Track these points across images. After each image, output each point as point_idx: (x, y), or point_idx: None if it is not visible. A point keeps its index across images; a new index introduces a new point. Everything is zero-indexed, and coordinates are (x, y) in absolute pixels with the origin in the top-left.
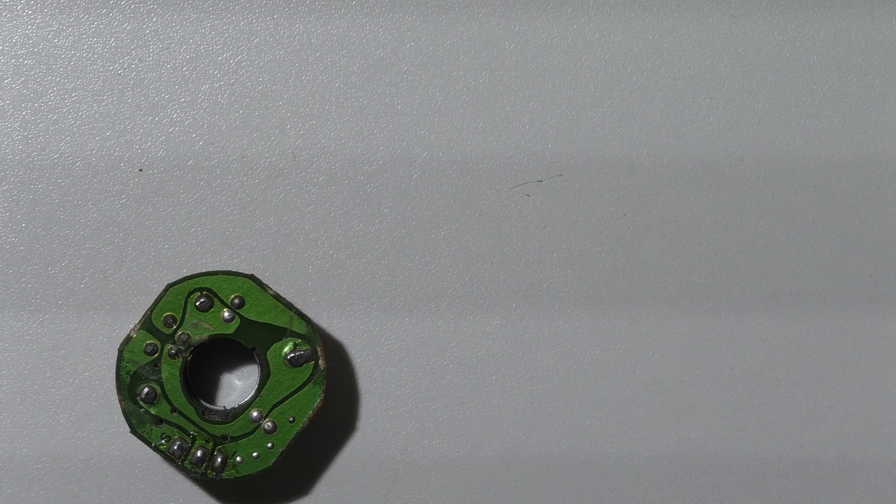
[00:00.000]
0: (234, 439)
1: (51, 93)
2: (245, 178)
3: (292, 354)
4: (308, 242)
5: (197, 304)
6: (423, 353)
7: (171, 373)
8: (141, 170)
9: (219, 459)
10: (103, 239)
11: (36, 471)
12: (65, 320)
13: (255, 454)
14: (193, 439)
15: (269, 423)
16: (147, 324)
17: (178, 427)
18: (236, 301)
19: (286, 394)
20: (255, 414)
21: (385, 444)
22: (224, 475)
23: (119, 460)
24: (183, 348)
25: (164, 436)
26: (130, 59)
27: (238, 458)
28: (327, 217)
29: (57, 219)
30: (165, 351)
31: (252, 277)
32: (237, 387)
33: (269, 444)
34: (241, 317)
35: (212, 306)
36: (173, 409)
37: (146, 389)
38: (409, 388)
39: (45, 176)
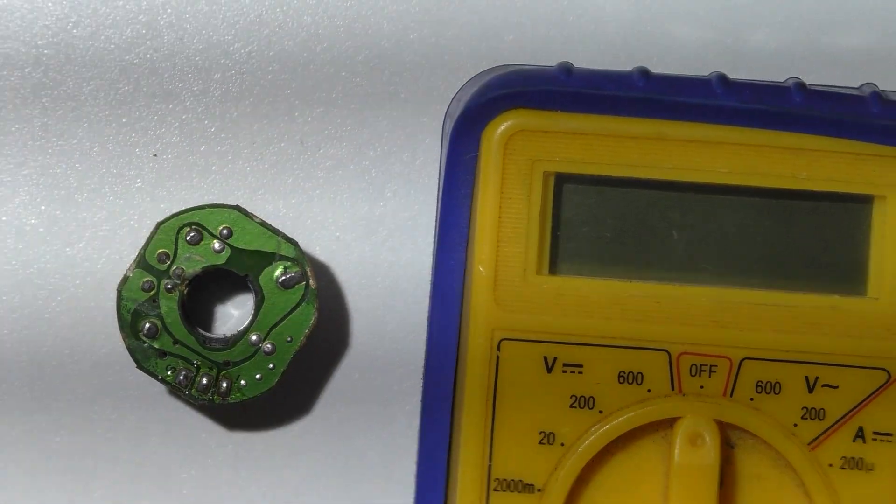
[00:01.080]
0: (236, 364)
1: (69, 81)
2: (255, 163)
3: (284, 277)
4: (315, 224)
5: (188, 238)
6: (408, 273)
7: (169, 307)
8: (155, 155)
9: (224, 384)
10: (119, 221)
11: (55, 444)
12: (83, 299)
13: (257, 376)
14: (198, 368)
15: (269, 345)
16: (142, 262)
17: (182, 358)
18: (224, 232)
19: (281, 315)
20: (254, 338)
21: (381, 358)
22: (230, 399)
23: (134, 434)
24: (178, 282)
25: (169, 367)
26: (146, 49)
27: (242, 382)
28: (334, 200)
29: (75, 202)
30: (162, 286)
31: (237, 208)
32: (234, 315)
33: (271, 365)
34: (230, 246)
35: (202, 239)
36: (175, 342)
37: (147, 325)
38: (397, 304)
39: (65, 161)
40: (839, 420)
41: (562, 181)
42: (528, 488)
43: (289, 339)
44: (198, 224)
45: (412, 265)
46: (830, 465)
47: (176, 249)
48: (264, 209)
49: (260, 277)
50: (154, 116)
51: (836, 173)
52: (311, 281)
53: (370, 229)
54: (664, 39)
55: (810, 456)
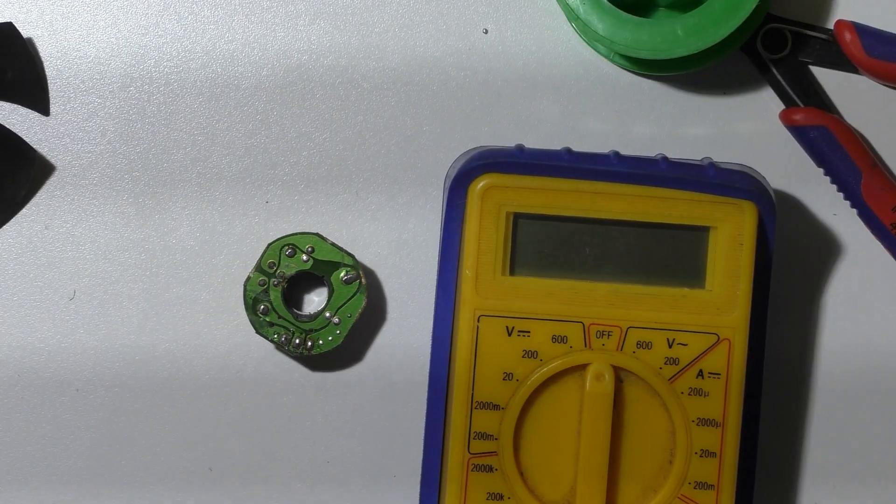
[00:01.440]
0: (316, 331)
1: (217, 163)
2: (328, 206)
3: (345, 276)
4: (366, 244)
5: (286, 253)
6: (422, 274)
7: (276, 295)
8: (267, 202)
9: (309, 343)
10: (245, 242)
11: (206, 379)
12: (223, 289)
13: (329, 338)
14: (293, 333)
15: (336, 319)
16: (258, 268)
17: (283, 327)
18: (309, 249)
19: (344, 301)
20: (327, 314)
21: (405, 327)
22: (313, 352)
23: (255, 373)
24: (281, 280)
25: (275, 333)
26: (259, 144)
27: (320, 342)
28: (377, 229)
29: (218, 231)
30: (271, 283)
31: (317, 234)
32: (315, 300)
33: (338, 331)
34: (313, 258)
35: (295, 254)
36: (279, 317)
37: (262, 306)
38: (416, 293)
39: (213, 206)
40: (688, 365)
41: (517, 218)
42: (496, 407)
43: (349, 315)
44: (293, 244)
45: (425, 269)
46: (682, 392)
47: (280, 260)
48: (336, 234)
49: (331, 277)
50: (266, 179)
51: (686, 213)
52: (362, 280)
53: (399, 247)
54: (581, 129)
55: (670, 387)
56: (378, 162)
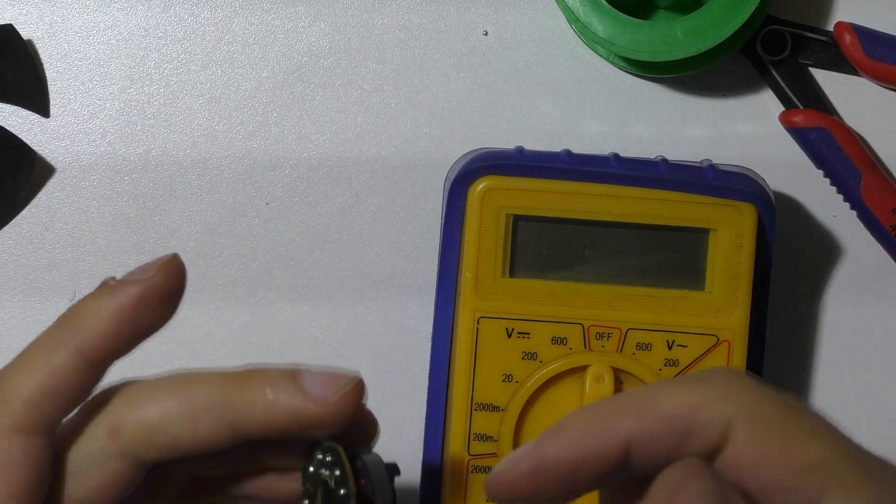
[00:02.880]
0: None
1: (213, 176)
2: (328, 208)
3: None
4: (366, 241)
5: None
6: (422, 274)
7: None
8: (267, 203)
9: None
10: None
11: None
12: None
13: None
14: None
15: None
16: None
17: None
18: None
19: None
20: None
21: (405, 329)
22: None
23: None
24: None
25: None
26: (262, 146)
27: None
28: (376, 230)
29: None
30: None
31: None
32: None
33: None
34: None
35: None
36: None
37: None
38: (415, 300)
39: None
40: (687, 366)
41: (517, 220)
42: (496, 409)
43: None
44: None
45: (424, 271)
46: None
47: None
48: (335, 236)
49: None
50: (266, 181)
51: (686, 215)
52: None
53: (399, 249)
54: (580, 131)
55: None
56: (378, 164)
